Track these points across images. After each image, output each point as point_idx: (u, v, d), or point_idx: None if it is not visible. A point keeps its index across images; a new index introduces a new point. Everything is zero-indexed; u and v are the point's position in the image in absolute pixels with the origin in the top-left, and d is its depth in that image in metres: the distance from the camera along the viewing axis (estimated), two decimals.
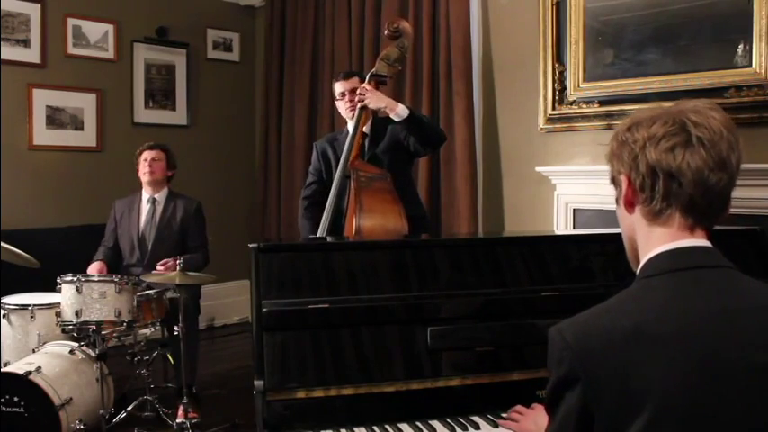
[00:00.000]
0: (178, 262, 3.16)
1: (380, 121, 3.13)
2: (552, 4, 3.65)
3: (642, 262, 1.08)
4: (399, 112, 2.93)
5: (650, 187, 1.04)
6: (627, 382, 0.94)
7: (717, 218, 1.07)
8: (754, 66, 2.99)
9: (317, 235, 3.01)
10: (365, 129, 3.13)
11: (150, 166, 3.79)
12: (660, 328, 0.97)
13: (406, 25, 3.09)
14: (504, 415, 1.65)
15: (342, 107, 3.21)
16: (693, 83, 3.15)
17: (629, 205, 1.09)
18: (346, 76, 3.25)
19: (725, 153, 1.02)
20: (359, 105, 3.01)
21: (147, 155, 3.82)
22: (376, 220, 2.78)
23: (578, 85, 3.62)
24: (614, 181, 1.12)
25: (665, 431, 0.93)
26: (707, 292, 1.01)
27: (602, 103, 3.53)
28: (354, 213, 2.78)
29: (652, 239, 1.07)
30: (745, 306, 1.00)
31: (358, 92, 3.02)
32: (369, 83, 3.03)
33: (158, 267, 3.55)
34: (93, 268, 3.61)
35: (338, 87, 3.22)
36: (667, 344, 0.96)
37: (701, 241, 1.05)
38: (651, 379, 0.94)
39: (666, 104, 1.09)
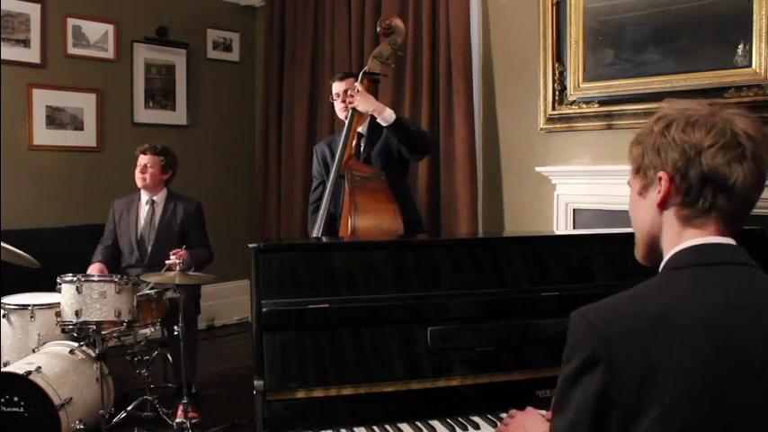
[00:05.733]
0: (182, 253, 3.16)
1: (377, 121, 3.13)
2: (552, 4, 3.65)
3: (668, 256, 1.09)
4: (386, 117, 2.95)
5: (696, 194, 1.05)
6: (649, 368, 0.95)
7: (744, 223, 1.10)
8: (754, 66, 2.99)
9: (314, 236, 3.01)
10: (361, 129, 3.14)
11: (142, 173, 3.77)
12: (684, 317, 0.98)
13: (398, 22, 3.08)
14: (503, 414, 1.64)
15: (337, 107, 3.26)
16: (693, 83, 3.15)
17: (662, 204, 1.08)
18: (342, 77, 3.29)
19: (766, 163, 1.05)
20: (349, 107, 3.03)
21: (140, 160, 3.80)
22: (371, 220, 2.78)
23: (578, 85, 3.61)
24: (641, 173, 1.11)
25: (682, 419, 0.94)
26: (731, 288, 1.03)
27: (602, 103, 3.53)
28: (349, 213, 2.78)
29: (682, 238, 1.08)
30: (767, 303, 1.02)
31: (348, 93, 3.04)
32: (362, 81, 3.03)
33: (171, 257, 3.49)
34: (94, 269, 3.60)
35: (334, 88, 3.28)
36: (691, 333, 0.97)
37: (727, 239, 1.07)
38: (673, 366, 0.95)
39: (701, 104, 1.08)
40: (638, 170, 1.11)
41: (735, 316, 0.99)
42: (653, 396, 0.94)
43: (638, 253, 1.17)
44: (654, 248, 1.13)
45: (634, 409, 0.95)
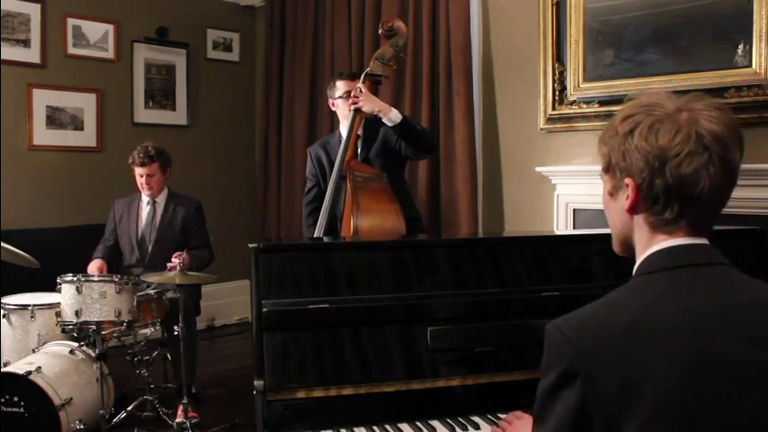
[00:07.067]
0: (183, 256, 3.16)
1: (373, 121, 3.12)
2: (552, 4, 3.65)
3: (639, 260, 1.08)
4: (392, 117, 2.93)
5: (663, 204, 1.02)
6: (626, 378, 0.94)
7: (716, 220, 1.08)
8: (754, 66, 2.99)
9: (315, 236, 3.01)
10: (359, 130, 3.13)
11: (148, 183, 3.76)
12: (658, 323, 0.97)
13: (400, 24, 3.08)
14: (503, 414, 1.64)
15: (343, 106, 3.19)
16: (693, 83, 3.14)
17: (631, 210, 1.07)
18: (352, 76, 3.24)
19: (735, 162, 1.02)
20: (352, 108, 3.00)
21: (139, 171, 3.74)
22: (374, 220, 2.78)
23: (578, 85, 3.62)
24: (611, 171, 1.08)
25: (663, 427, 0.93)
26: (704, 289, 1.01)
27: (602, 103, 3.53)
28: (352, 213, 2.78)
29: (653, 242, 1.06)
30: (742, 303, 1.00)
31: (352, 93, 3.02)
32: (364, 82, 3.02)
33: (173, 259, 3.46)
34: (93, 266, 3.60)
35: (344, 86, 3.21)
36: (665, 339, 0.96)
37: (698, 239, 1.05)
38: (650, 374, 0.94)
39: (669, 97, 1.05)
40: (608, 168, 1.09)
41: (707, 318, 0.97)
42: (632, 406, 0.93)
43: (615, 247, 1.17)
44: (630, 244, 1.12)
45: (614, 421, 0.94)
